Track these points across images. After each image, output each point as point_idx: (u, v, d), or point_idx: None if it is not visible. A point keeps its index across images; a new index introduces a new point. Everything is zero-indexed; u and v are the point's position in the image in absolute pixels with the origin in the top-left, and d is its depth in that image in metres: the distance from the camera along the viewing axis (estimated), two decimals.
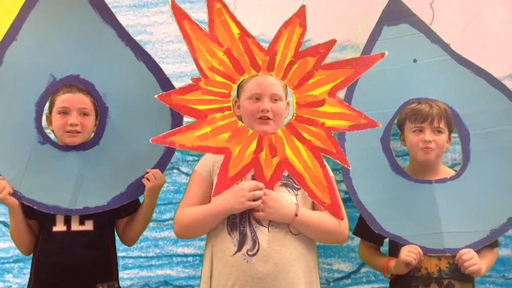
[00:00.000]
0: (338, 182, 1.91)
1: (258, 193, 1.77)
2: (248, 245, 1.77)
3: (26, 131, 1.95)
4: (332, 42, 1.83)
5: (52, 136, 2.02)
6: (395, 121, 2.09)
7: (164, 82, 2.02)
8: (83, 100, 1.95)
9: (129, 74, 2.02)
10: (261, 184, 1.80)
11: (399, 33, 2.11)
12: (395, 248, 2.00)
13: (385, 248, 2.11)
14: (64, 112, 1.94)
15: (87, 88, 1.98)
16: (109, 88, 2.00)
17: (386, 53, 1.88)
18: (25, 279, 2.44)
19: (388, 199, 2.00)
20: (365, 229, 2.03)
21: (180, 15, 1.84)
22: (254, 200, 1.77)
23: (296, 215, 1.76)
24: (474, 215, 1.96)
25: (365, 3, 2.43)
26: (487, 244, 1.95)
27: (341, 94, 2.07)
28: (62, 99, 1.94)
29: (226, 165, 1.82)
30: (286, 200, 1.80)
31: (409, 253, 1.90)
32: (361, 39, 2.13)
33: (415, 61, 2.10)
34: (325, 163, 1.86)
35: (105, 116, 2.01)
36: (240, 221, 1.80)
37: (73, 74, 1.98)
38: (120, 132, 2.00)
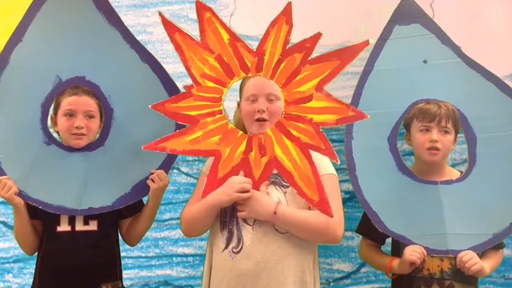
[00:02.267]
0: (340, 182, 1.90)
1: (247, 185, 1.78)
2: (233, 242, 1.79)
3: (32, 132, 1.95)
4: (318, 35, 1.81)
5: (55, 135, 2.02)
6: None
7: (168, 84, 2.02)
8: (89, 103, 1.96)
9: (134, 76, 2.03)
10: (250, 180, 1.81)
11: (410, 32, 2.09)
12: (397, 248, 2.00)
13: (386, 248, 2.11)
14: (70, 114, 1.94)
15: (93, 90, 1.98)
16: (114, 89, 2.01)
17: (371, 41, 1.86)
18: (25, 279, 2.44)
19: (393, 199, 2.00)
20: (368, 227, 2.03)
21: (171, 29, 1.87)
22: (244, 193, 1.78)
23: (275, 213, 1.76)
24: (478, 218, 1.95)
25: (365, 3, 2.43)
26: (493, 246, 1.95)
27: (350, 92, 2.07)
28: (69, 102, 1.94)
29: (215, 166, 1.84)
30: (267, 198, 1.80)
31: (413, 253, 1.90)
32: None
33: (425, 61, 2.08)
34: (329, 162, 1.86)
35: (110, 118, 2.01)
36: (230, 220, 1.82)
37: (79, 75, 1.98)
38: (125, 133, 2.01)
